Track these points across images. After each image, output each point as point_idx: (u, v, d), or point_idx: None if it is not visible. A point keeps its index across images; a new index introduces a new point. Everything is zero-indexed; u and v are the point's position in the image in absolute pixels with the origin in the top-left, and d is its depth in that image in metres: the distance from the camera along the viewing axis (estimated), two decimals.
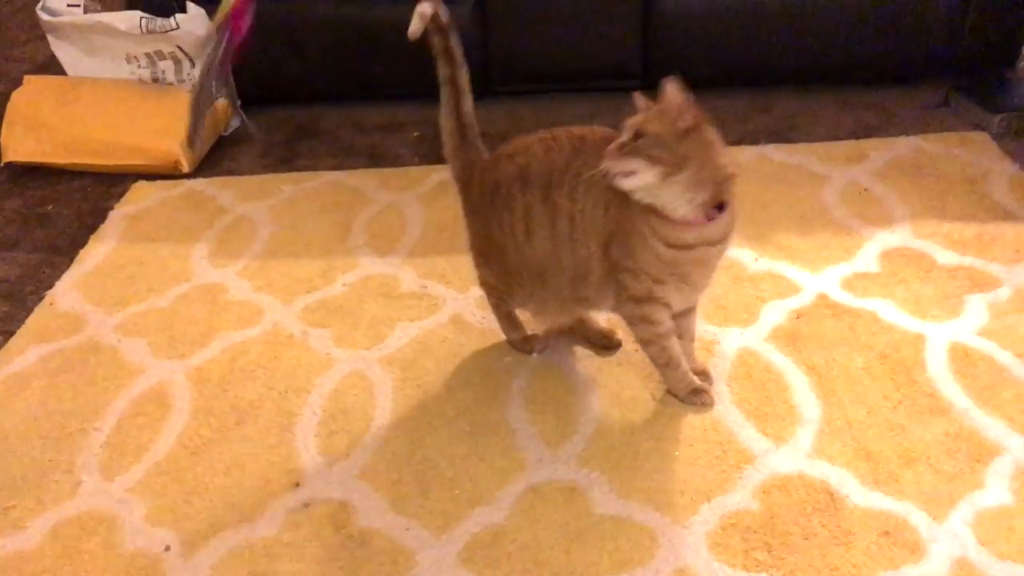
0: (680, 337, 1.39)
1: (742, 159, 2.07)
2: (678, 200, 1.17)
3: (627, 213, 1.23)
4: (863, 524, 1.18)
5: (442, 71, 1.38)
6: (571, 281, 1.34)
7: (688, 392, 1.39)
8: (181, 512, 1.29)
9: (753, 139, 2.16)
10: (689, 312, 1.39)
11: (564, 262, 1.32)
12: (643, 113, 1.17)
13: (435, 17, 1.32)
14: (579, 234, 1.29)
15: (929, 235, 1.73)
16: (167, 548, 1.23)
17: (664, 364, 1.38)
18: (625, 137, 1.16)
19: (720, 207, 1.20)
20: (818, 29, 2.27)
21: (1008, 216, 1.78)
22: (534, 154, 1.32)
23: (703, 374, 1.42)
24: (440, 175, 2.10)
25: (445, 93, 1.40)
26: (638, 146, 1.14)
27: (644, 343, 1.37)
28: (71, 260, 1.87)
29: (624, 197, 1.20)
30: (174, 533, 1.25)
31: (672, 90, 1.15)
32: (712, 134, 1.18)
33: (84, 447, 1.40)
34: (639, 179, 1.15)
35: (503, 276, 1.42)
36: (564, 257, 1.31)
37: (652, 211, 1.20)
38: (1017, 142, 2.05)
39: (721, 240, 1.24)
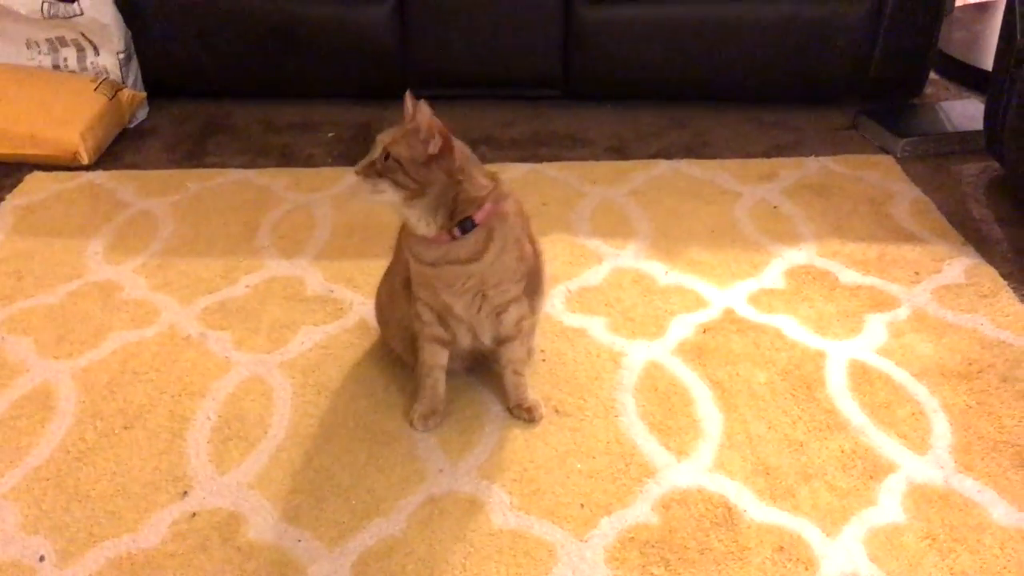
0: (503, 368, 1.37)
1: (656, 172, 2.08)
2: (420, 220, 1.20)
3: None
4: (759, 539, 1.19)
5: None
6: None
7: (417, 415, 1.37)
8: (59, 520, 1.22)
9: (668, 153, 2.18)
10: (508, 341, 1.35)
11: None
12: (393, 130, 1.19)
13: None
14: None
15: (833, 254, 1.77)
16: (42, 558, 1.17)
17: (418, 364, 1.36)
18: (375, 155, 1.17)
19: (465, 228, 1.20)
20: (734, 49, 2.30)
21: (909, 238, 1.82)
22: None
23: (528, 411, 1.38)
24: (353, 177, 2.06)
25: None
26: (387, 167, 1.16)
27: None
28: None
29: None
30: (50, 542, 1.19)
31: (424, 111, 1.16)
32: (462, 156, 1.20)
33: None
34: (386, 197, 1.18)
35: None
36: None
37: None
38: (920, 165, 2.11)
39: (470, 260, 1.22)
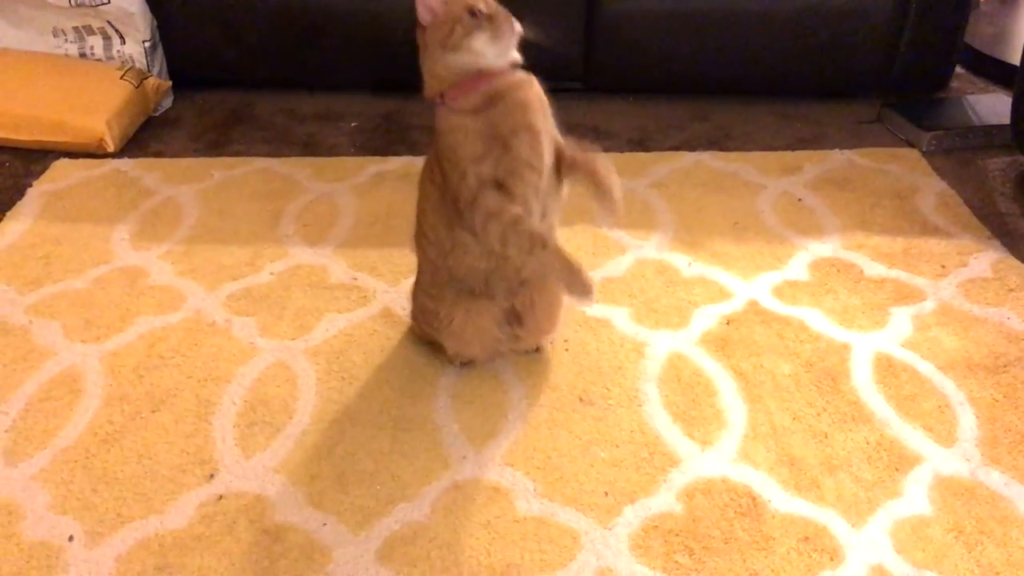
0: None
1: (679, 164, 2.08)
2: (494, 55, 1.28)
3: (438, 133, 1.30)
4: (783, 529, 1.18)
5: None
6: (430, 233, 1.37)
7: (577, 277, 1.22)
8: (87, 501, 1.23)
9: (690, 146, 2.17)
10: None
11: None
12: None
13: None
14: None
15: (858, 247, 1.76)
16: (71, 538, 1.18)
17: (530, 249, 1.23)
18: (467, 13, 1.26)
19: None
20: (758, 41, 2.29)
21: (935, 231, 1.81)
22: None
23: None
24: (376, 167, 2.07)
25: None
26: (477, 22, 1.26)
27: (503, 243, 1.24)
28: None
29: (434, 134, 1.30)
30: (79, 523, 1.20)
31: None
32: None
33: None
34: (477, 40, 1.26)
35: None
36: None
37: (448, 95, 1.28)
38: (946, 160, 2.09)
39: (528, 85, 1.31)
